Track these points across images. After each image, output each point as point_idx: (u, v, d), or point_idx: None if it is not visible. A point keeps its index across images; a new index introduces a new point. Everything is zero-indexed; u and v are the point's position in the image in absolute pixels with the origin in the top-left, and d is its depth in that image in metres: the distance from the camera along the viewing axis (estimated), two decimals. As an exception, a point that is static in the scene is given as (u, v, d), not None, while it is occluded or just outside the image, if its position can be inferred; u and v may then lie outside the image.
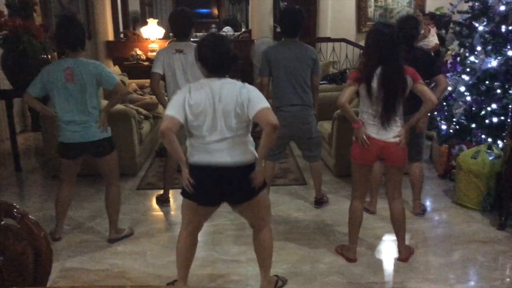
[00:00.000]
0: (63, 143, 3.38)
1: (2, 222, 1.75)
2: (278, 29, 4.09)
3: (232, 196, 2.59)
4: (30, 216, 1.76)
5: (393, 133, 3.00)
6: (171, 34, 7.90)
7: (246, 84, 2.51)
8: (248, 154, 2.51)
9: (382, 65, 2.88)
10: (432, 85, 3.80)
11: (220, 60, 2.47)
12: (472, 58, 4.68)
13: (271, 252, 2.77)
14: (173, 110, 2.39)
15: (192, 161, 2.52)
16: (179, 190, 2.61)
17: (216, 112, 2.42)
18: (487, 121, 4.47)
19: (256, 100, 2.40)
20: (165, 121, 2.38)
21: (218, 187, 2.51)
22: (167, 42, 8.02)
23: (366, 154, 3.05)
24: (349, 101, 3.06)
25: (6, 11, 4.96)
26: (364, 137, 3.00)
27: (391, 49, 2.87)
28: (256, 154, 2.53)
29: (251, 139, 2.58)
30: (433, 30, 7.24)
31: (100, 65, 3.37)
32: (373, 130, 3.01)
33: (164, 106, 4.08)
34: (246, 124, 2.49)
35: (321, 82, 6.09)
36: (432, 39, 7.10)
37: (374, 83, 2.89)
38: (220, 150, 2.46)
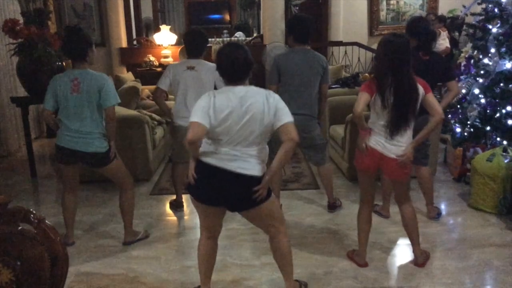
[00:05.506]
0: (58, 145, 3.40)
1: (19, 228, 1.78)
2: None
3: (230, 202, 2.54)
4: (46, 221, 1.78)
5: (397, 149, 2.96)
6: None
7: (271, 92, 2.51)
8: (258, 167, 2.48)
9: (395, 75, 2.85)
10: (445, 89, 3.78)
11: (232, 67, 2.46)
12: (486, 60, 4.65)
13: (290, 258, 2.74)
14: (198, 116, 2.38)
15: (202, 159, 2.49)
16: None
17: (242, 118, 2.40)
18: (502, 123, 4.43)
19: (283, 112, 2.43)
20: (192, 129, 2.37)
21: (219, 188, 2.47)
22: (179, 48, 8.08)
23: (365, 162, 3.05)
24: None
25: (21, 20, 5.04)
26: (364, 145, 2.99)
27: (403, 58, 2.84)
28: (265, 168, 2.51)
29: (267, 149, 2.57)
30: (444, 34, 7.19)
31: (106, 80, 3.35)
32: (379, 140, 2.98)
33: (166, 114, 4.10)
34: (268, 133, 2.49)
35: (334, 86, 6.10)
36: (443, 42, 7.04)
37: (388, 93, 2.87)
38: (233, 158, 2.44)
